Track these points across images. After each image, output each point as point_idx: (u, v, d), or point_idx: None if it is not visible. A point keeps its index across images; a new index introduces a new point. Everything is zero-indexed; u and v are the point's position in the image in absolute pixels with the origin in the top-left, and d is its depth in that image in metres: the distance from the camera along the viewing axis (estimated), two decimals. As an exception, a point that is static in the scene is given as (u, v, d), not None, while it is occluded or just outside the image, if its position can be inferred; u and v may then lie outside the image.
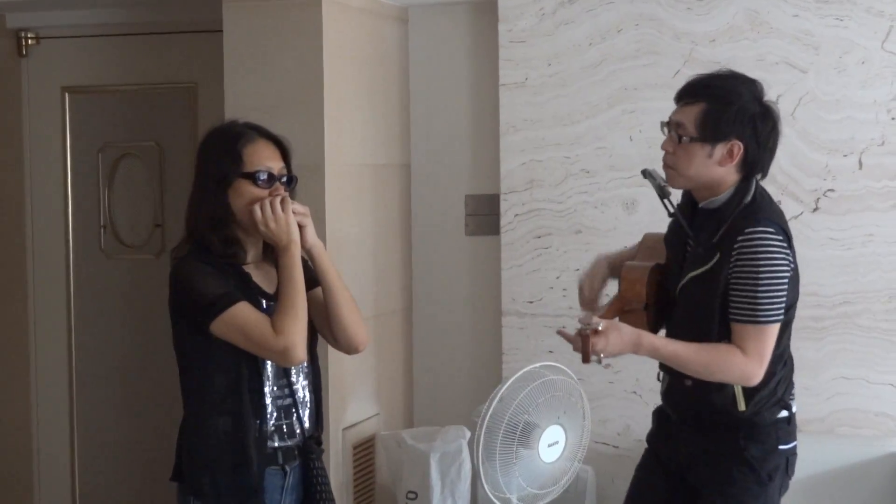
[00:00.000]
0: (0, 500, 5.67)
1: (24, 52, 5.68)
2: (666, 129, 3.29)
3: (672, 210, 3.32)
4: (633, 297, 3.32)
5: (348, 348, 3.21)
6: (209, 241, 3.04)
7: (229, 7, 4.69)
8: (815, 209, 4.76)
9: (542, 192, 5.00)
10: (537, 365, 4.30)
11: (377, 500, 5.08)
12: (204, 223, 3.05)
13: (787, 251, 3.18)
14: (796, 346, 4.73)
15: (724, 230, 3.17)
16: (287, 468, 3.11)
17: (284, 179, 3.10)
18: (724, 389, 3.21)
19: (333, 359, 4.65)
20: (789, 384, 3.32)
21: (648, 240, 3.53)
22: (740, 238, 3.12)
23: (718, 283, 3.15)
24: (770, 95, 4.73)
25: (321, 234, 4.52)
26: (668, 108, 4.80)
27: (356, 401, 4.91)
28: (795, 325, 4.76)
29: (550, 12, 4.98)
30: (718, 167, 3.20)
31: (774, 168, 4.73)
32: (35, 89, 5.71)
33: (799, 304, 4.72)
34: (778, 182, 4.78)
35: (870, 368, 4.72)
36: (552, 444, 4.29)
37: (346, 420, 4.83)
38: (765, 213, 3.20)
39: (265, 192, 3.04)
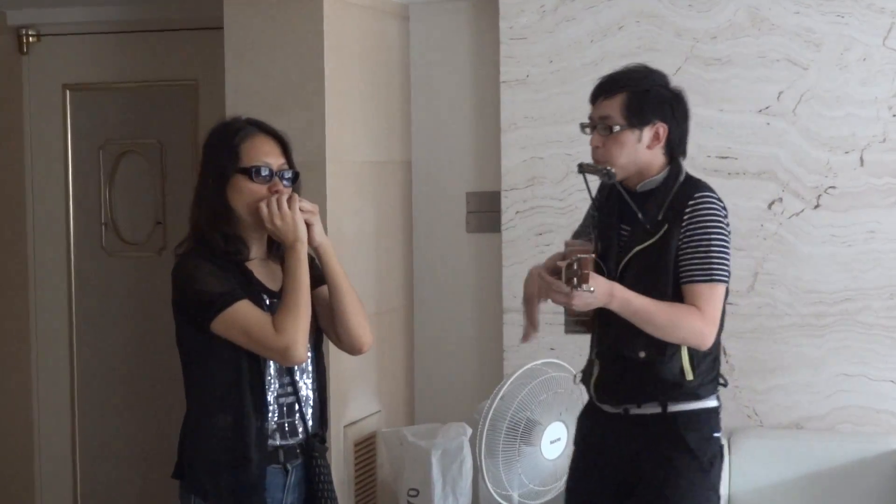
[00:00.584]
0: (2, 499, 5.67)
1: (24, 50, 5.68)
2: (588, 130, 3.42)
3: (625, 196, 3.37)
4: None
5: (352, 349, 3.18)
6: (211, 238, 3.01)
7: (230, 4, 4.69)
8: (817, 206, 4.76)
9: (543, 189, 5.00)
10: (538, 362, 4.31)
11: (378, 498, 5.08)
12: (205, 220, 3.02)
13: (728, 222, 3.36)
14: (798, 343, 4.78)
15: (669, 203, 3.31)
16: (289, 466, 3.07)
17: (286, 175, 3.06)
18: (673, 360, 3.30)
19: (335, 356, 4.64)
20: (719, 368, 3.44)
21: (572, 245, 3.52)
22: (691, 203, 3.29)
23: (669, 250, 3.28)
24: (771, 92, 4.78)
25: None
26: (669, 105, 4.82)
27: (357, 398, 4.91)
28: (796, 322, 4.80)
29: (551, 9, 4.98)
30: (647, 151, 3.36)
31: (775, 165, 4.79)
32: (36, 87, 5.71)
33: (800, 302, 4.77)
34: (779, 179, 4.78)
35: (871, 366, 4.72)
36: (554, 441, 4.30)
37: (348, 417, 4.83)
38: (705, 185, 3.39)
39: (263, 189, 3.01)
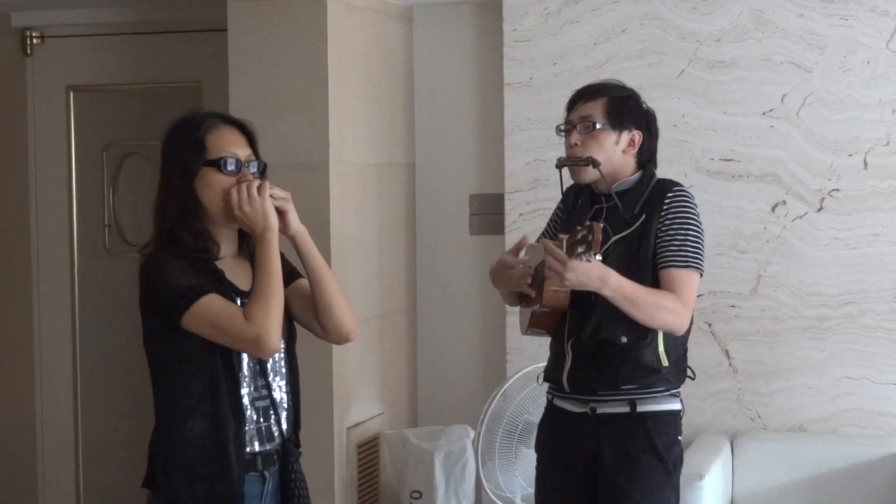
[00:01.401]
0: (5, 497, 5.67)
1: (28, 51, 5.69)
2: (564, 134, 3.51)
3: (605, 183, 3.44)
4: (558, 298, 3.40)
5: (338, 337, 3.04)
6: (179, 236, 2.88)
7: (234, 6, 4.69)
8: (820, 209, 4.76)
9: (546, 191, 4.99)
10: (540, 365, 4.31)
11: (381, 500, 5.07)
12: (173, 217, 2.89)
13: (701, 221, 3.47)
14: (802, 346, 4.77)
15: (646, 197, 3.42)
16: (266, 474, 2.95)
17: (254, 167, 2.94)
18: (651, 345, 3.38)
19: (338, 358, 4.65)
20: (687, 360, 3.52)
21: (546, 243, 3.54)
22: (669, 194, 3.40)
23: (649, 240, 3.37)
24: (775, 95, 4.78)
25: (325, 232, 4.56)
26: (673, 107, 4.84)
27: (360, 400, 4.91)
28: (800, 325, 4.79)
29: (555, 12, 4.98)
30: (622, 155, 3.46)
31: (779, 168, 4.79)
32: (40, 88, 5.71)
33: (804, 304, 4.77)
34: (783, 182, 4.78)
35: (874, 368, 4.72)
36: None
37: (351, 419, 4.83)
38: (679, 183, 3.50)
39: (233, 180, 2.88)
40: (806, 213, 4.77)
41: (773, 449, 4.64)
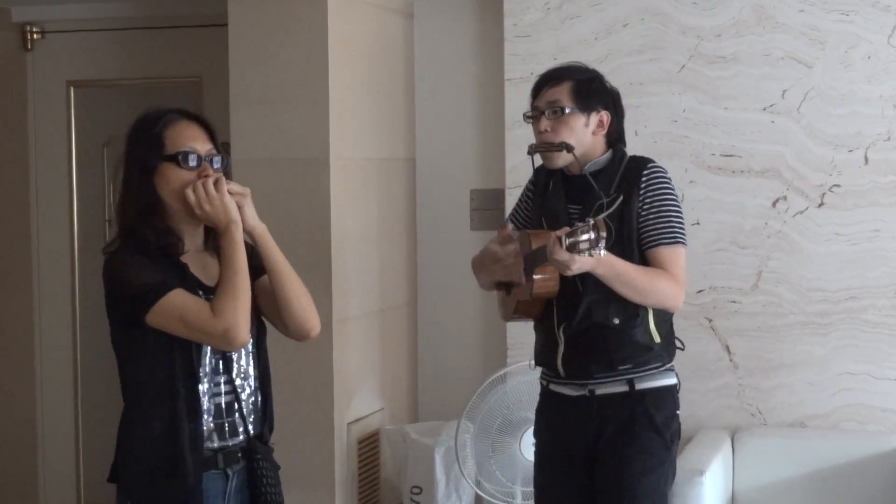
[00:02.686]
0: (5, 493, 5.67)
1: (29, 46, 5.69)
2: (531, 120, 3.54)
3: (580, 166, 3.47)
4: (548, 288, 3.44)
5: (299, 334, 3.01)
6: (142, 234, 2.87)
7: (234, 1, 4.69)
8: (821, 204, 4.75)
9: (547, 186, 4.99)
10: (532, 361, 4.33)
11: (382, 495, 5.08)
12: (134, 214, 2.89)
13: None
14: (802, 342, 4.77)
15: (620, 176, 3.45)
16: (229, 472, 2.92)
17: (216, 162, 2.91)
18: (643, 324, 3.42)
19: (338, 354, 4.65)
20: (674, 333, 3.55)
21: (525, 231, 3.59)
22: (645, 171, 3.43)
23: (631, 218, 3.40)
24: (776, 90, 4.78)
25: (326, 227, 4.56)
26: (673, 102, 4.84)
27: (361, 395, 4.91)
28: (800, 320, 4.79)
29: (556, 7, 4.97)
30: (592, 136, 3.49)
31: (780, 163, 4.78)
32: (40, 83, 5.71)
33: (804, 300, 4.77)
34: (784, 177, 4.77)
35: (875, 364, 4.71)
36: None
37: (351, 415, 4.83)
38: (652, 159, 3.52)
39: (192, 175, 2.86)
40: (807, 209, 4.76)
41: (774, 444, 4.64)
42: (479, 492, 4.57)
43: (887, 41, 4.67)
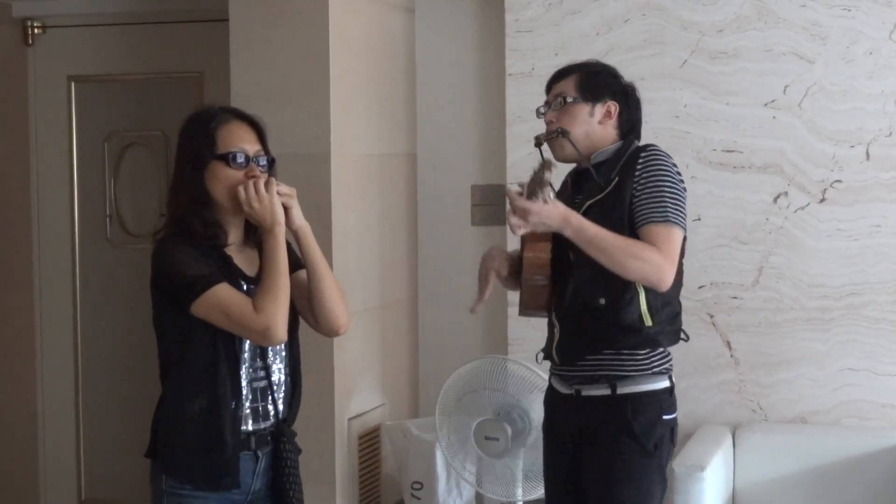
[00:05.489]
0: (7, 490, 5.68)
1: (30, 41, 5.68)
2: (543, 116, 3.56)
3: (579, 153, 3.48)
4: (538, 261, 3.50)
5: (329, 330, 3.17)
6: (190, 224, 3.02)
7: (235, -4, 4.70)
8: (822, 200, 4.75)
9: (548, 182, 4.99)
10: (508, 356, 4.34)
11: (383, 491, 5.08)
12: (184, 206, 3.04)
13: (682, 178, 3.45)
14: (803, 337, 4.77)
15: (622, 163, 3.43)
16: (259, 453, 3.07)
17: (262, 161, 3.07)
18: (632, 304, 3.36)
19: (339, 349, 4.65)
20: (681, 323, 3.49)
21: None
22: (643, 154, 3.41)
23: (623, 200, 3.37)
24: (777, 85, 4.77)
25: (327, 223, 4.56)
26: (675, 98, 4.84)
27: (362, 391, 4.91)
28: (801, 316, 4.79)
29: (557, 2, 4.97)
30: (599, 126, 3.49)
31: (781, 159, 4.78)
32: (41, 78, 5.71)
33: (806, 296, 4.76)
34: (785, 173, 4.77)
35: (876, 360, 4.71)
36: (490, 438, 4.33)
37: (352, 410, 4.83)
38: (655, 145, 3.49)
39: (240, 174, 3.01)
40: (808, 204, 4.76)
41: (775, 440, 4.64)
42: (478, 489, 4.57)
43: (889, 37, 4.67)
